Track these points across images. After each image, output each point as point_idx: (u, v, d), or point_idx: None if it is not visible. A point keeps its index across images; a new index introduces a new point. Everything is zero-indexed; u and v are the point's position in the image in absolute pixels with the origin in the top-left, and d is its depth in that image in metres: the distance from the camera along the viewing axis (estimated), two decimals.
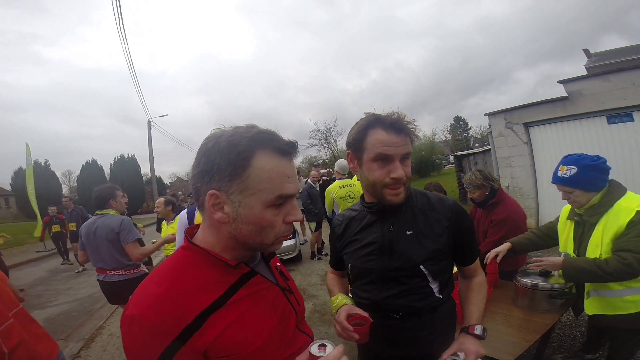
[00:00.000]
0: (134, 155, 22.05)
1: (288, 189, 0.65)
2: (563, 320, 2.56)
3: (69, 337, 3.63)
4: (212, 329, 0.60)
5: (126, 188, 8.71)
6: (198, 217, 2.55)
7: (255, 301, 0.69)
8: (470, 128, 39.64)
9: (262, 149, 0.63)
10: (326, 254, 6.24)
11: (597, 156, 1.55)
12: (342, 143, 25.28)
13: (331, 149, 25.79)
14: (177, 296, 0.60)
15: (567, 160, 1.59)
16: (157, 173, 21.95)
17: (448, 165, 25.21)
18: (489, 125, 6.53)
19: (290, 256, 5.47)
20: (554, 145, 5.56)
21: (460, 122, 40.24)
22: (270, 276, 0.78)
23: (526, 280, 1.73)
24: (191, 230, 0.74)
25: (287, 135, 0.69)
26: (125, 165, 23.85)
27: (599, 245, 1.49)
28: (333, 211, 4.29)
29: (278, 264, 0.87)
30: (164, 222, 3.82)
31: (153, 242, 2.89)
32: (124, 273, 2.57)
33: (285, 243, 5.45)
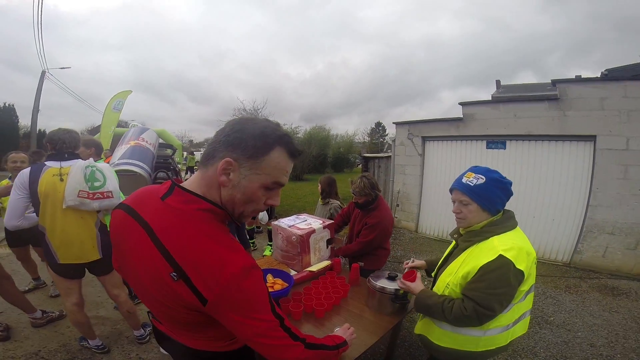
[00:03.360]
0: (12, 105, 18.31)
1: (283, 180, 0.82)
2: None
3: None
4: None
5: None
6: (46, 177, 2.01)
7: None
8: (387, 134, 42.89)
9: (281, 146, 0.79)
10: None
11: (504, 177, 1.41)
12: None
13: None
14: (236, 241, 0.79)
15: (477, 169, 1.42)
16: (44, 127, 18.52)
17: (360, 165, 26.80)
18: (395, 134, 6.99)
19: None
20: (443, 160, 6.23)
21: (380, 128, 43.18)
22: None
23: (375, 283, 1.78)
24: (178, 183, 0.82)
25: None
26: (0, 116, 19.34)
27: (451, 274, 1.40)
28: None
29: None
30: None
31: None
32: None
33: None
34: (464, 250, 1.41)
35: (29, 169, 2.14)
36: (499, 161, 5.50)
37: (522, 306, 1.35)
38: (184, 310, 0.74)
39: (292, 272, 2.14)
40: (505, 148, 5.52)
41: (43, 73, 15.75)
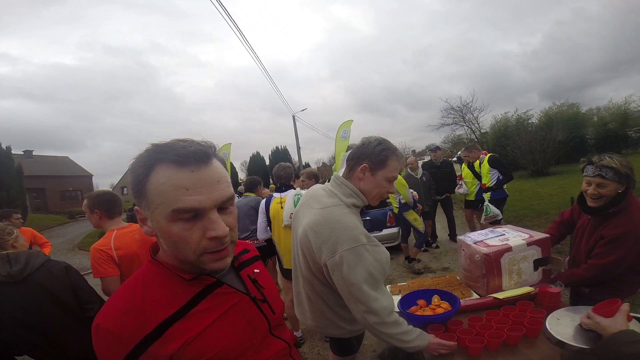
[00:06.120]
0: (285, 147, 26.76)
1: (185, 202, 0.61)
2: None
3: None
4: (175, 338, 0.66)
5: None
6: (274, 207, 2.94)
7: (220, 311, 0.73)
8: None
9: (159, 162, 0.62)
10: (437, 246, 5.76)
11: None
12: (483, 119, 21.54)
13: (470, 127, 22.55)
14: (139, 307, 0.66)
15: None
16: (306, 160, 25.78)
17: None
18: None
19: (391, 244, 5.31)
20: None
21: None
22: (240, 285, 0.82)
23: (550, 329, 1.23)
24: (155, 246, 0.79)
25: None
26: (280, 156, 28.61)
27: None
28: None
29: (256, 270, 0.90)
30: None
31: None
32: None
33: (387, 231, 5.34)
34: None
35: (265, 199, 3.19)
36: None
37: None
38: None
39: (475, 296, 1.82)
40: None
41: (293, 117, 20.98)
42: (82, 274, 1.93)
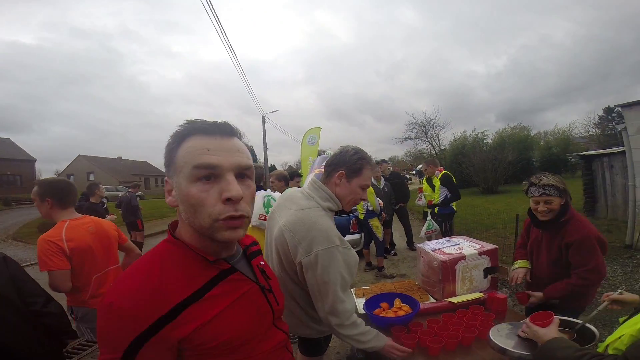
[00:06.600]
0: (252, 147, 26.53)
1: (205, 159, 0.66)
2: None
3: None
4: (187, 321, 0.65)
5: None
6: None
7: (233, 297, 0.74)
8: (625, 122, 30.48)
9: (189, 134, 0.69)
10: (395, 254, 5.98)
11: None
12: (444, 136, 23.13)
13: (431, 143, 23.82)
14: (155, 287, 0.65)
15: None
16: (272, 162, 25.37)
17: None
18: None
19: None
20: None
21: (613, 114, 31.20)
22: (250, 274, 0.83)
23: (495, 339, 1.37)
24: (174, 224, 0.79)
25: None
26: None
27: (636, 324, 1.02)
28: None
29: (262, 262, 0.93)
30: None
31: None
32: None
33: (349, 237, 5.45)
34: None
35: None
36: None
37: None
38: None
39: (432, 300, 1.94)
40: None
41: (263, 118, 20.60)
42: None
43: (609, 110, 31.60)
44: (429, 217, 5.00)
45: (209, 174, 0.67)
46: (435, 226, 4.90)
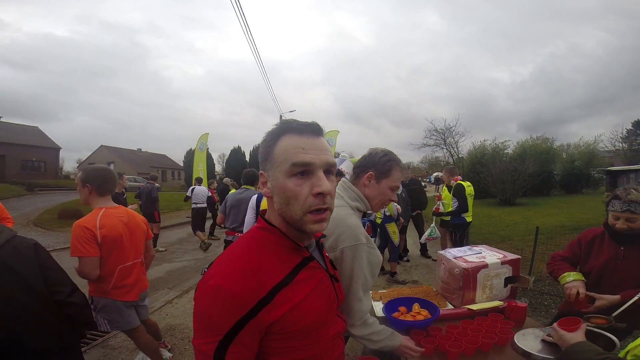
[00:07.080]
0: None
1: (301, 158, 0.73)
2: None
3: (174, 287, 4.65)
4: (280, 304, 0.70)
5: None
6: (264, 204, 2.94)
7: (313, 283, 0.81)
8: None
9: (284, 133, 0.77)
10: (407, 260, 5.95)
11: None
12: (463, 144, 22.77)
13: (449, 151, 23.46)
14: (256, 271, 0.71)
15: None
16: None
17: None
18: None
19: None
20: None
21: None
22: (323, 263, 0.91)
23: (519, 343, 1.39)
24: (263, 212, 0.88)
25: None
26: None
27: None
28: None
29: (327, 254, 1.01)
30: None
31: None
32: None
33: None
34: None
35: (256, 195, 3.16)
36: None
37: None
38: None
39: (449, 306, 1.95)
40: None
41: (280, 117, 20.74)
42: None
43: (638, 124, 30.40)
44: (433, 224, 5.04)
45: (304, 171, 0.74)
46: (437, 234, 4.97)
